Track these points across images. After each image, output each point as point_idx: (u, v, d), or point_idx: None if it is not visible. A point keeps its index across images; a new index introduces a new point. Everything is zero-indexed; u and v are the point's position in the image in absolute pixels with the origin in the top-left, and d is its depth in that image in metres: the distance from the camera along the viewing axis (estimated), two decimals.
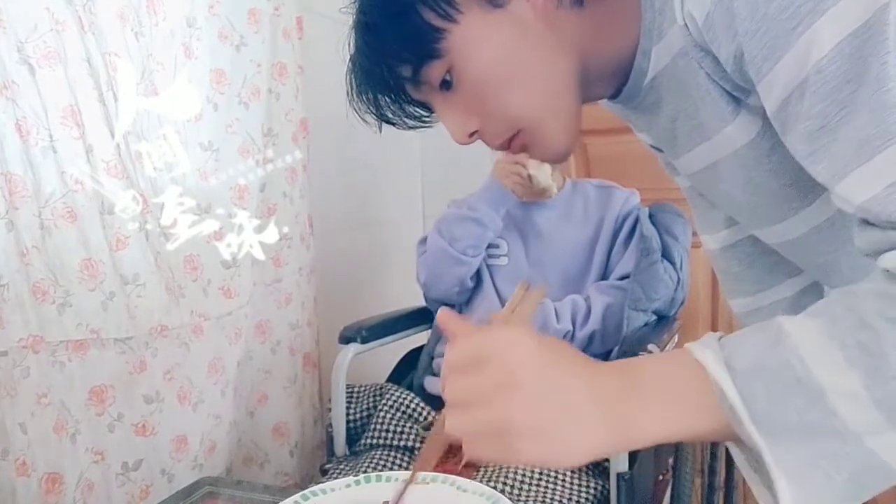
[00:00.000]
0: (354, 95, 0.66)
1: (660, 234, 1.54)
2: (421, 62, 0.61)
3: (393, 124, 0.68)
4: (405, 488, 0.70)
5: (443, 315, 0.52)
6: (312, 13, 1.66)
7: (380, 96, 0.65)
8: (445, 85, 0.62)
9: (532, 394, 0.45)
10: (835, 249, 0.65)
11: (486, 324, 0.52)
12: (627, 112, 0.72)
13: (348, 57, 0.65)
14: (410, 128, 0.68)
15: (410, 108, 0.66)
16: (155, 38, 1.26)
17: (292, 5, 1.55)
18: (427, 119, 0.68)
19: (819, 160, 0.49)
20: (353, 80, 0.66)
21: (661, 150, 0.79)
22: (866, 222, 0.48)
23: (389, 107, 0.66)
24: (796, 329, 0.44)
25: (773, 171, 0.60)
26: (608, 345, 1.44)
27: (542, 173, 1.48)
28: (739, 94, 0.56)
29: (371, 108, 0.66)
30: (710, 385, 0.45)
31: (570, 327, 1.40)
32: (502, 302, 1.53)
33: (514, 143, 0.64)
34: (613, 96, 0.68)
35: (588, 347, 1.42)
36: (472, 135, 0.64)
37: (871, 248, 0.48)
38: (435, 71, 0.61)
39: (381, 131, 0.69)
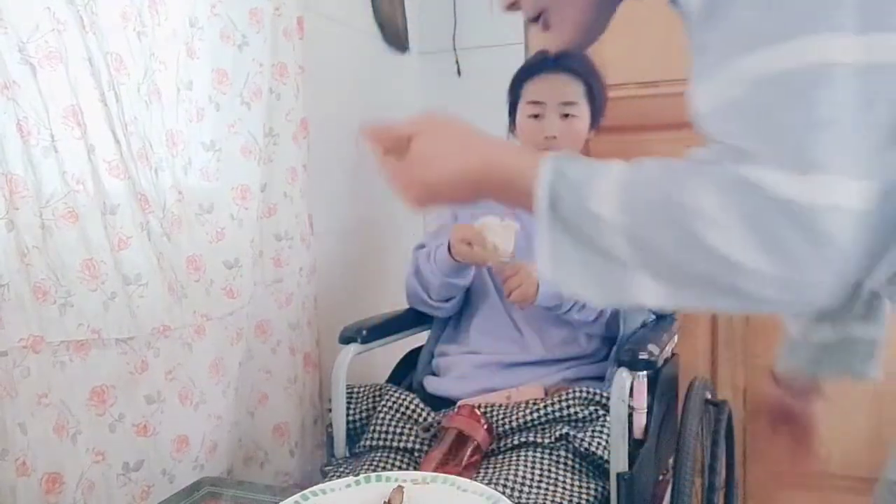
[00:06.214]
0: None
1: None
2: None
3: None
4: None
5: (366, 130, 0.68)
6: (313, 13, 1.67)
7: None
8: None
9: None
10: None
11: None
12: None
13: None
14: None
15: None
16: (157, 37, 1.26)
17: (293, 5, 1.55)
18: None
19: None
20: None
21: None
22: None
23: None
24: (619, 168, 0.58)
25: None
26: (611, 329, 1.47)
27: (498, 238, 1.32)
28: None
29: None
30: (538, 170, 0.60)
31: None
32: (502, 299, 1.53)
33: (540, 19, 0.71)
34: None
35: (596, 321, 1.45)
36: (512, 4, 0.71)
37: None
38: None
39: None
